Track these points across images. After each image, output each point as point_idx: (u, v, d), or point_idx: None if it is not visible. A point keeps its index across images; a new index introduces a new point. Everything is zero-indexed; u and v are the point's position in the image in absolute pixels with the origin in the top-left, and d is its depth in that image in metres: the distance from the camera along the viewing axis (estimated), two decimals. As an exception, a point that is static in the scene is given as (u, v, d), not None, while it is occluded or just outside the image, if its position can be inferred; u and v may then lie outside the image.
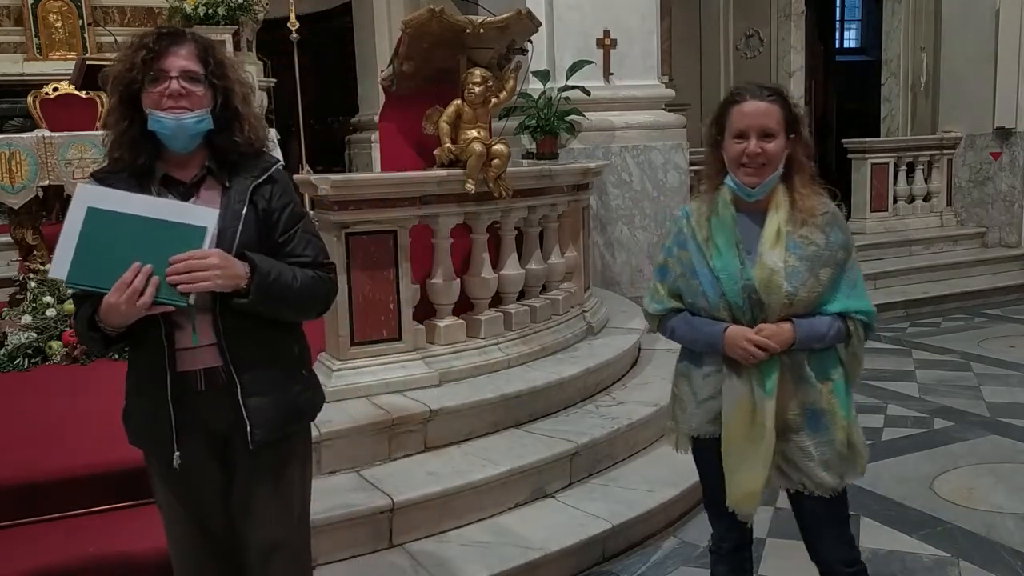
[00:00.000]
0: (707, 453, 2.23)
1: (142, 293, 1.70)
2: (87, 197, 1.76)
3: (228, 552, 2.01)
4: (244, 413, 1.88)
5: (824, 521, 2.22)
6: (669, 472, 3.69)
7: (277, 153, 4.49)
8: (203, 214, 1.79)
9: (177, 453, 1.86)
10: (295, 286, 1.87)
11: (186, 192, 1.88)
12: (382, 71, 4.66)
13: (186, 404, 1.86)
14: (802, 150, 2.13)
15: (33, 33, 8.00)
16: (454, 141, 3.90)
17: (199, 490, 1.97)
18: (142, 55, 1.81)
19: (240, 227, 1.85)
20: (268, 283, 1.81)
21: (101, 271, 1.73)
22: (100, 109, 7.11)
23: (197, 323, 1.83)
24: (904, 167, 8.87)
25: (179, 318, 1.83)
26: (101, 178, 1.86)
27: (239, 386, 1.88)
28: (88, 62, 5.41)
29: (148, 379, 1.86)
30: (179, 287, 1.73)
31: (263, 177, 1.91)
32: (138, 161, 1.85)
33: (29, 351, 4.15)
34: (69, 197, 4.76)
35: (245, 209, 1.87)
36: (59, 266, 1.76)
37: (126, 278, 1.70)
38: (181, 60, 1.82)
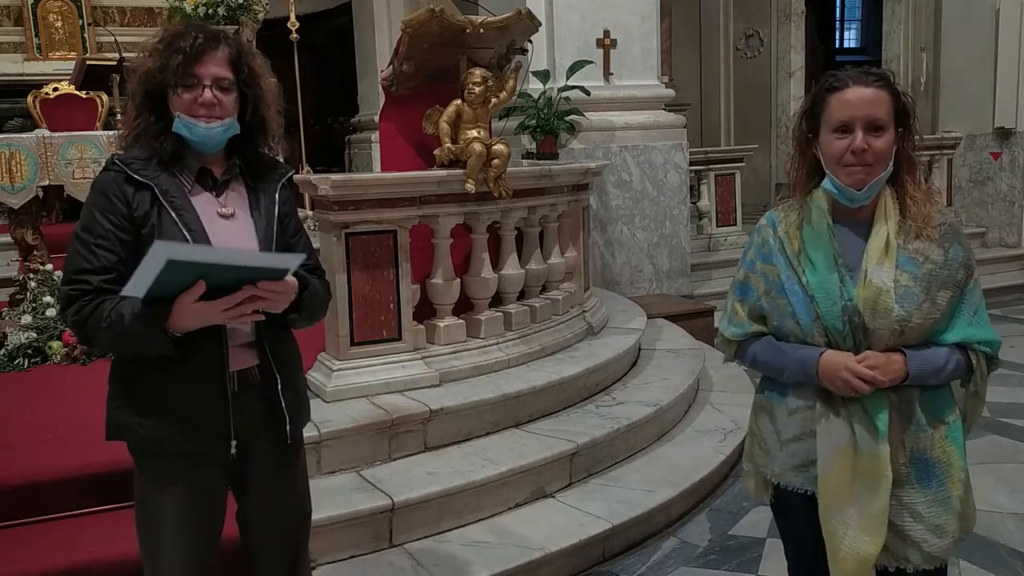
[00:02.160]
0: (792, 509, 1.90)
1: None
2: (167, 251, 1.61)
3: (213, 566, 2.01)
4: (284, 408, 1.95)
5: None
6: (669, 472, 3.70)
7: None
8: (286, 259, 1.81)
9: (234, 442, 1.88)
10: (321, 297, 2.00)
11: (218, 187, 1.92)
12: (382, 71, 4.65)
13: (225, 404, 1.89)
14: (912, 146, 1.81)
15: (33, 33, 8.01)
16: (454, 141, 3.90)
17: (215, 494, 1.97)
18: (178, 60, 1.80)
19: (275, 226, 1.94)
20: (312, 298, 1.93)
21: (176, 290, 1.70)
22: (100, 109, 7.12)
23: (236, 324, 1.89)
24: (904, 167, 8.86)
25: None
26: (129, 163, 1.84)
27: (279, 382, 1.94)
28: (88, 62, 5.42)
29: (194, 379, 1.84)
30: (256, 304, 1.77)
31: (282, 181, 2.01)
32: (165, 148, 1.85)
33: (29, 351, 4.15)
34: (69, 197, 4.78)
35: (276, 210, 1.96)
36: (134, 291, 1.67)
37: (231, 300, 1.72)
38: (215, 67, 1.83)
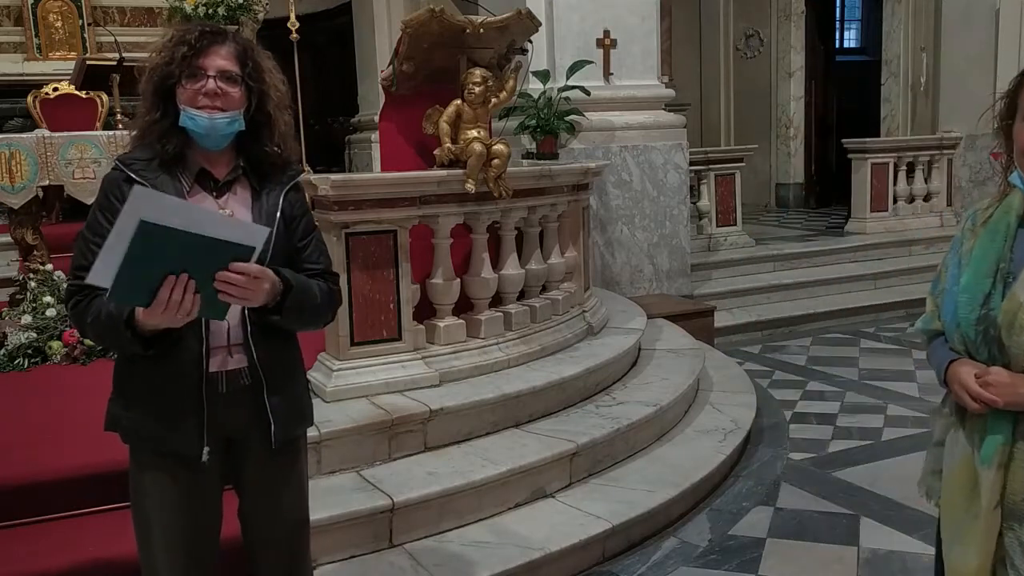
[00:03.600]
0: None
1: (181, 304, 1.67)
2: (141, 206, 1.58)
3: (209, 564, 2.01)
4: (268, 412, 1.94)
5: None
6: (669, 472, 3.70)
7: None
8: (254, 232, 1.74)
9: (207, 448, 1.88)
10: (315, 302, 1.94)
11: (219, 189, 1.91)
12: (382, 71, 4.66)
13: (210, 405, 1.88)
14: None
15: (33, 33, 8.02)
16: (454, 141, 3.90)
17: (204, 493, 1.96)
18: (182, 51, 1.82)
19: (273, 231, 1.90)
20: (300, 301, 1.87)
21: (142, 288, 1.66)
22: (100, 109, 7.12)
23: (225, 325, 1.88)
24: (904, 167, 8.86)
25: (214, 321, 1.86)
26: (129, 163, 1.85)
27: (265, 386, 1.92)
28: (88, 62, 5.43)
29: (173, 376, 1.85)
30: (222, 296, 1.71)
31: (290, 184, 1.99)
32: (167, 149, 1.85)
33: (29, 351, 4.15)
34: (69, 197, 4.77)
35: (278, 214, 1.93)
36: (102, 275, 1.62)
37: (162, 296, 1.65)
38: (220, 60, 1.84)
